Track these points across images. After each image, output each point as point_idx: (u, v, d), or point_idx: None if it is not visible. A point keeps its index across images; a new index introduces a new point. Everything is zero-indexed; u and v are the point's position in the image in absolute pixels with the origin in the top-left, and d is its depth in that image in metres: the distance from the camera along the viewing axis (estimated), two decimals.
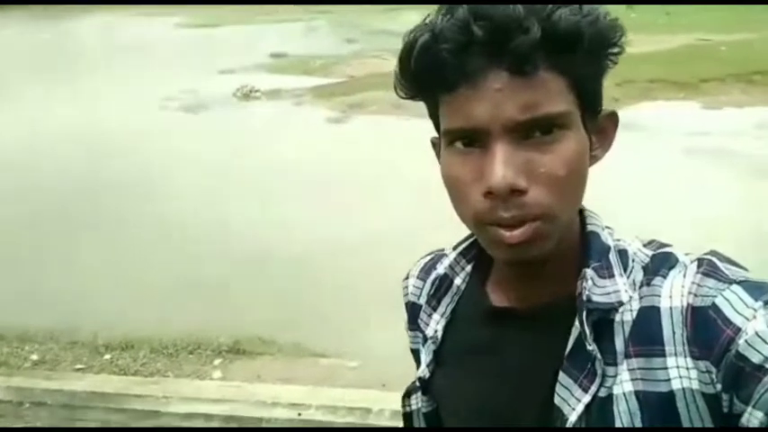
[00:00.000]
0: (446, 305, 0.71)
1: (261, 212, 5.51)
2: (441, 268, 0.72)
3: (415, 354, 0.77)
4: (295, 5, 21.95)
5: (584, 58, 0.55)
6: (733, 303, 0.53)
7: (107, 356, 3.63)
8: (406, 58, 0.57)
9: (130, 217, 5.57)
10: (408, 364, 0.83)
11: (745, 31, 10.81)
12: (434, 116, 0.61)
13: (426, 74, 0.56)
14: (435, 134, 0.63)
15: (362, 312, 3.89)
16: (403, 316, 0.80)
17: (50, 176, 6.40)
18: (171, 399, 2.90)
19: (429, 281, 0.74)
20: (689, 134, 7.08)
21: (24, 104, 9.45)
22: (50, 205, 5.67)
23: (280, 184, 6.20)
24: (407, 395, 0.75)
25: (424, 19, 0.58)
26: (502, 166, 0.53)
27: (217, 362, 3.59)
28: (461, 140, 0.57)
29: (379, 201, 5.62)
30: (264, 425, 2.66)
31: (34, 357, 3.62)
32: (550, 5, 0.53)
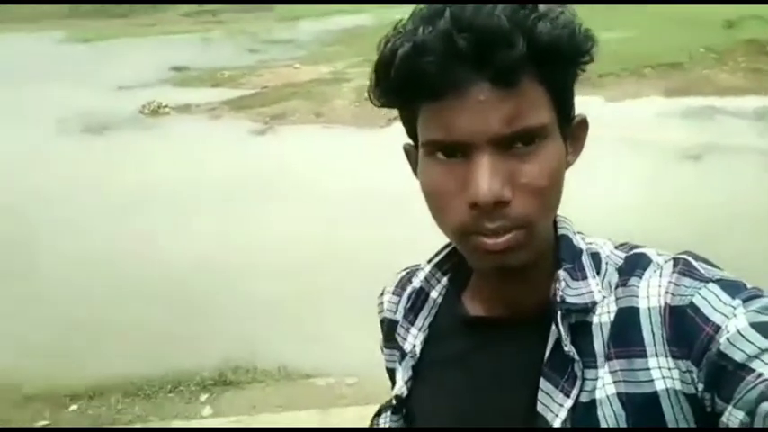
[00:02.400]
0: (423, 319, 0.70)
1: (194, 235, 5.16)
2: (416, 282, 0.72)
3: (391, 373, 0.75)
4: (183, 15, 21.11)
5: (561, 69, 0.57)
6: (711, 302, 0.53)
7: (74, 407, 3.22)
8: (384, 68, 0.56)
9: (47, 255, 5.00)
10: None
11: (626, 28, 11.82)
12: (410, 125, 0.60)
13: (407, 84, 0.55)
14: (408, 141, 0.63)
15: (336, 327, 3.76)
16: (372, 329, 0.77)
17: None
18: None
19: (405, 295, 0.73)
20: (599, 126, 7.61)
21: None
22: None
23: (211, 202, 5.87)
24: (378, 414, 0.74)
25: (396, 25, 0.57)
26: (487, 178, 0.53)
27: (203, 397, 3.31)
28: (443, 151, 0.56)
29: (322, 210, 5.48)
30: None
31: None
32: (531, 16, 0.53)
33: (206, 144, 7.77)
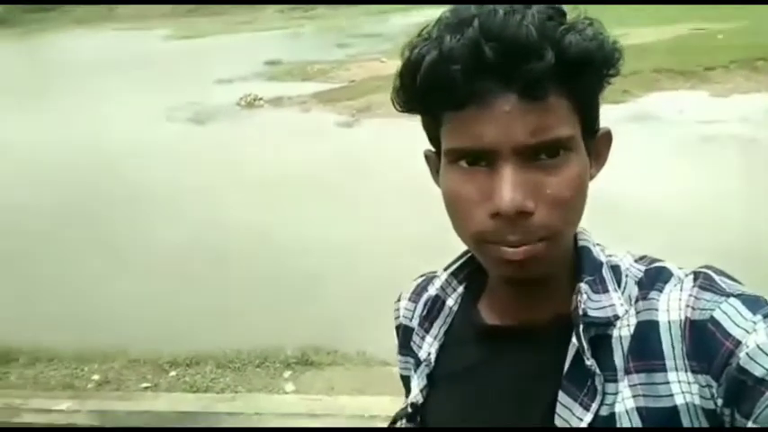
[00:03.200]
0: (439, 327, 0.70)
1: (295, 223, 5.44)
2: (432, 290, 0.71)
3: (405, 380, 0.74)
4: (277, 12, 21.88)
5: (588, 81, 0.56)
6: (731, 316, 0.52)
7: (173, 373, 3.53)
8: (409, 74, 0.55)
9: (164, 234, 5.45)
10: None
11: (737, 19, 11.04)
12: (432, 131, 0.60)
13: (433, 92, 0.54)
14: (430, 147, 0.62)
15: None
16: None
17: (76, 193, 6.24)
18: (262, 416, 2.82)
19: (421, 303, 0.73)
20: (702, 123, 7.20)
21: (30, 123, 9.21)
22: (81, 223, 5.53)
23: (302, 192, 6.14)
24: (393, 422, 0.73)
25: (421, 31, 0.57)
26: (511, 188, 0.53)
27: (287, 374, 3.51)
28: (466, 159, 0.56)
29: (405, 204, 5.58)
30: None
31: (96, 377, 3.50)
32: (560, 27, 0.53)
33: (296, 135, 8.13)
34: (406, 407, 0.70)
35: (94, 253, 5.03)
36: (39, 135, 8.42)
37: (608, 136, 0.63)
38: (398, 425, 0.71)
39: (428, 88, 0.54)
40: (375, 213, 5.45)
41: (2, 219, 5.73)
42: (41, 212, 5.75)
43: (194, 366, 3.58)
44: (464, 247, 0.65)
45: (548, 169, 0.54)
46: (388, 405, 3.02)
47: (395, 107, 0.59)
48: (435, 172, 0.61)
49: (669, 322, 0.55)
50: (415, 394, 0.69)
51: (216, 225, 5.45)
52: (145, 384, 3.42)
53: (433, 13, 0.59)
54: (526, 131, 0.53)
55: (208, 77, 11.90)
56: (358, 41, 14.88)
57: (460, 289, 0.70)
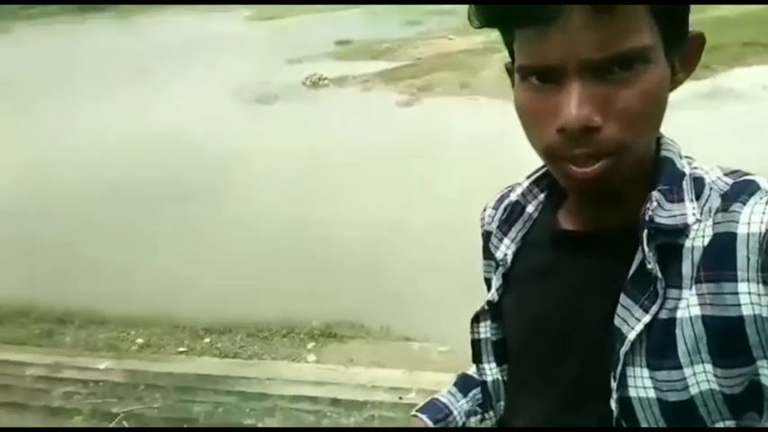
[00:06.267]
0: (517, 231, 0.72)
1: (341, 198, 5.58)
2: (513, 196, 0.73)
3: (488, 282, 0.78)
4: None
5: None
6: None
7: (207, 340, 3.80)
8: None
9: (219, 205, 5.77)
10: None
11: None
12: (509, 46, 0.60)
13: (502, 7, 0.55)
14: (510, 59, 0.63)
15: (448, 295, 3.88)
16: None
17: (141, 170, 6.72)
18: (274, 381, 2.99)
19: (501, 208, 0.75)
20: None
21: (105, 106, 9.94)
22: (141, 197, 5.96)
23: (356, 170, 6.25)
24: (476, 320, 0.76)
25: None
26: (576, 104, 0.52)
27: (310, 345, 3.68)
28: (536, 76, 0.56)
29: (454, 182, 5.56)
30: (368, 408, 2.69)
31: (140, 341, 3.84)
32: None
33: (355, 115, 8.25)
34: (484, 305, 0.75)
35: (153, 227, 5.42)
36: (119, 115, 9.07)
37: (699, 38, 0.60)
38: (482, 324, 0.76)
39: (499, 3, 0.55)
40: (425, 193, 5.48)
41: (77, 191, 6.28)
42: (110, 185, 6.25)
43: (227, 334, 3.84)
44: None
45: (620, 83, 0.53)
46: (399, 377, 3.10)
47: (471, 24, 0.58)
48: (513, 84, 0.61)
49: (748, 234, 0.54)
50: (492, 293, 0.74)
51: (266, 201, 5.70)
52: (181, 349, 3.72)
53: None
54: (593, 46, 0.52)
55: (280, 57, 12.26)
56: (429, 19, 14.70)
57: (541, 196, 0.72)
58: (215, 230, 5.39)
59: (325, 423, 2.63)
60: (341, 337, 3.73)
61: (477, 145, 6.32)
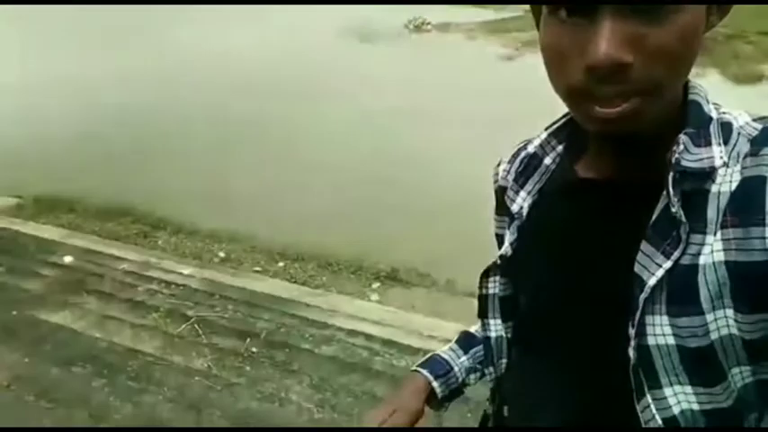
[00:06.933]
0: (534, 183, 0.70)
1: (430, 142, 5.56)
2: (530, 148, 0.71)
3: (499, 238, 0.76)
4: None
5: None
6: None
7: (281, 264, 4.00)
8: None
9: (313, 140, 5.93)
10: None
11: None
12: None
13: None
14: None
15: None
16: None
17: (240, 93, 6.97)
18: (336, 313, 3.12)
19: (517, 160, 0.73)
20: None
21: (210, 27, 10.24)
22: (243, 120, 6.21)
23: (449, 118, 6.18)
24: (486, 275, 0.74)
25: None
26: (606, 40, 0.49)
27: (375, 285, 3.78)
28: (565, 9, 0.52)
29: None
30: (421, 355, 2.77)
31: (221, 255, 4.10)
32: None
33: (455, 65, 8.07)
34: (496, 259, 0.73)
35: (254, 149, 5.66)
36: (236, 43, 9.33)
37: None
38: (491, 279, 0.74)
39: None
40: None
41: (179, 114, 6.62)
42: (215, 111, 6.55)
43: (299, 261, 4.01)
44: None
45: (654, 20, 0.50)
46: (456, 331, 3.15)
47: None
48: (537, 23, 0.59)
49: None
50: (505, 247, 0.71)
51: (357, 139, 5.78)
52: (257, 268, 3.93)
53: None
54: None
55: None
56: None
57: (559, 148, 0.70)
58: (306, 161, 5.56)
59: (377, 361, 2.73)
60: (406, 283, 3.81)
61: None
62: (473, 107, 6.37)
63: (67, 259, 3.64)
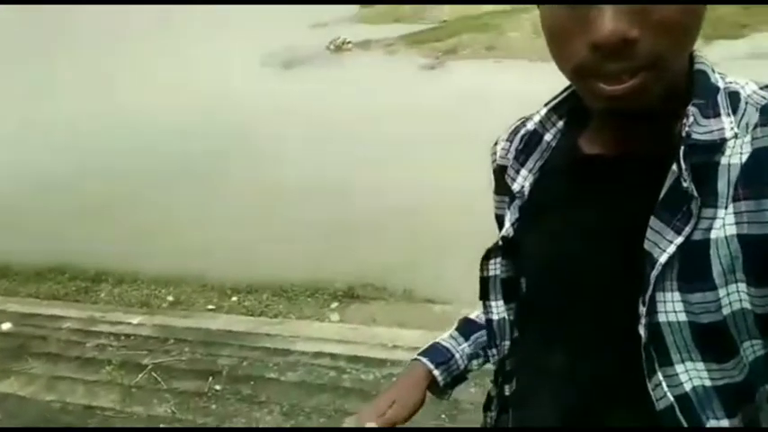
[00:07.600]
0: (534, 161, 0.68)
1: (367, 161, 5.59)
2: (530, 125, 0.69)
3: (499, 219, 0.75)
4: None
5: None
6: None
7: (234, 298, 3.91)
8: None
9: (247, 170, 5.84)
10: None
11: None
12: None
13: None
14: None
15: (473, 260, 3.90)
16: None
17: (170, 133, 6.81)
18: (298, 339, 3.08)
19: (517, 138, 0.71)
20: None
21: (130, 67, 9.98)
22: (170, 161, 6.06)
23: (378, 135, 6.24)
24: (486, 257, 0.72)
25: None
26: (612, 18, 0.49)
27: (333, 305, 3.76)
28: None
29: (479, 147, 5.51)
30: (387, 366, 2.77)
31: (170, 298, 3.97)
32: None
33: (378, 79, 8.18)
34: (498, 240, 0.71)
35: (187, 190, 5.53)
36: (138, 77, 9.12)
37: None
38: (491, 261, 0.71)
39: None
40: (449, 158, 5.45)
41: (111, 159, 6.41)
42: (147, 151, 6.36)
43: (254, 293, 3.94)
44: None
45: None
46: (420, 337, 3.16)
47: None
48: (538, 3, 0.58)
49: None
50: (507, 228, 0.69)
51: (290, 164, 5.75)
52: (210, 306, 3.83)
53: None
54: None
55: (306, 22, 12.16)
56: None
57: (560, 124, 0.68)
58: (242, 191, 5.47)
59: (345, 378, 2.71)
60: (364, 299, 3.80)
61: (501, 108, 6.25)
62: (397, 117, 6.48)
63: (6, 326, 3.44)
